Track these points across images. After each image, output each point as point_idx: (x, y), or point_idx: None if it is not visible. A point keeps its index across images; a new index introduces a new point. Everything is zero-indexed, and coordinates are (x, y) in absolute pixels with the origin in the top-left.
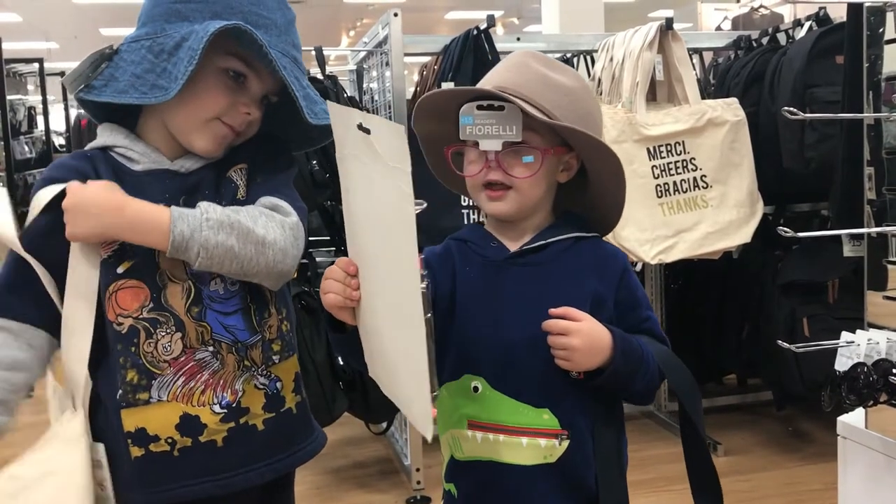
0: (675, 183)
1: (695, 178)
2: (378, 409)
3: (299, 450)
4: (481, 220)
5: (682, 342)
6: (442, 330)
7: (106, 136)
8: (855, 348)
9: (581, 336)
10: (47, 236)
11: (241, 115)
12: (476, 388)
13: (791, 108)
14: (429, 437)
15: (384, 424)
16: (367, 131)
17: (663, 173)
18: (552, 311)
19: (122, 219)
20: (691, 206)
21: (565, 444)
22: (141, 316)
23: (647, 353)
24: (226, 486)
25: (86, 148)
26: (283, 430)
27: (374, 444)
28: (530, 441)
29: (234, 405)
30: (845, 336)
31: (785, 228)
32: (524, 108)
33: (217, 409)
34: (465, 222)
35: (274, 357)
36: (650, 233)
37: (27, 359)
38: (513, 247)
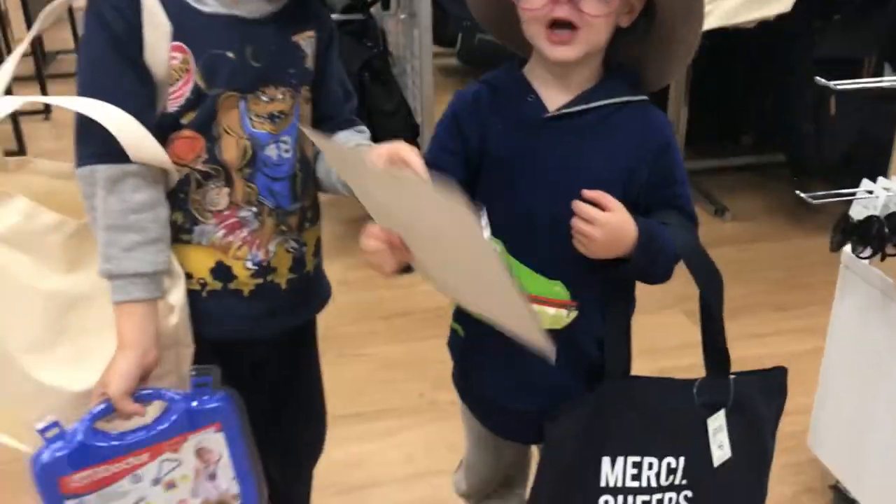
0: None
1: None
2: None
3: (312, 306)
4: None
5: (706, 99)
6: (468, 184)
7: None
8: (872, 200)
9: (605, 229)
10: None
11: None
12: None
13: None
14: (552, 358)
15: None
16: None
17: None
18: (585, 192)
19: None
20: None
21: (574, 314)
22: (196, 167)
23: (669, 246)
24: (247, 333)
25: None
26: (301, 290)
27: None
28: (539, 308)
29: (264, 264)
30: (865, 184)
31: None
32: None
33: (249, 265)
34: None
35: (306, 223)
36: None
37: (160, 194)
38: (552, 103)
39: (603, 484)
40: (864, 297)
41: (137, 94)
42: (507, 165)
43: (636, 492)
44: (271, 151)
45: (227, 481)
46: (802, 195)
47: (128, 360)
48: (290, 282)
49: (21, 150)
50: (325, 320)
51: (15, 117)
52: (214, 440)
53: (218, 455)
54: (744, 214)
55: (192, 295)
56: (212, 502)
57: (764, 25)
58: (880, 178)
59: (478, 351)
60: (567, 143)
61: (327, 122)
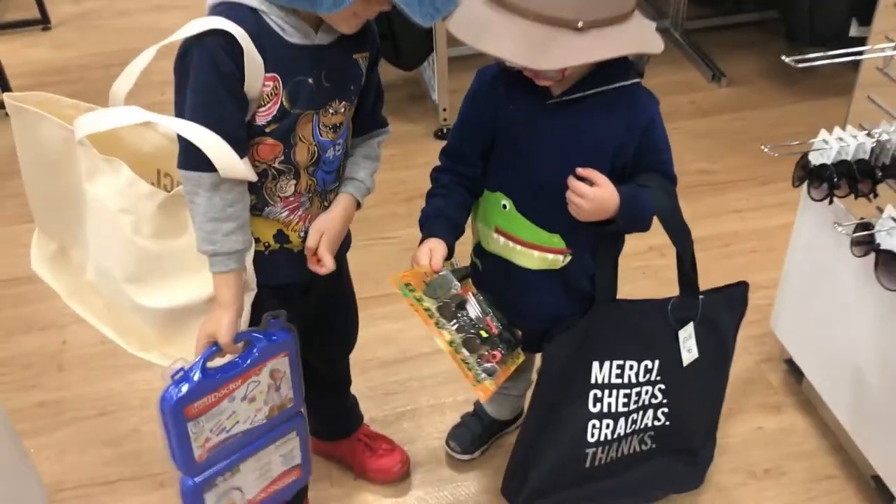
0: None
1: None
2: (408, 55)
3: (342, 249)
4: None
5: None
6: (487, 150)
7: (258, 0)
8: (827, 150)
9: (593, 202)
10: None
11: (374, 9)
12: (505, 206)
13: None
14: None
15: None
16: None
17: None
18: (579, 170)
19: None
20: None
21: (569, 258)
22: (273, 166)
23: (647, 210)
24: (296, 277)
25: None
26: None
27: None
28: (540, 254)
29: (309, 230)
30: (822, 135)
31: None
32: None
33: (301, 234)
34: None
35: (335, 190)
36: None
37: (245, 189)
38: (555, 89)
39: (593, 381)
40: (821, 214)
41: (236, 117)
42: (516, 139)
43: (619, 387)
44: (330, 153)
45: (286, 390)
46: (787, 59)
47: (229, 315)
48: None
49: (44, 16)
50: None
51: None
52: (282, 363)
53: (283, 373)
54: (739, 79)
55: (258, 254)
56: (275, 406)
57: None
58: (835, 129)
59: (492, 283)
60: (566, 122)
61: (360, 119)
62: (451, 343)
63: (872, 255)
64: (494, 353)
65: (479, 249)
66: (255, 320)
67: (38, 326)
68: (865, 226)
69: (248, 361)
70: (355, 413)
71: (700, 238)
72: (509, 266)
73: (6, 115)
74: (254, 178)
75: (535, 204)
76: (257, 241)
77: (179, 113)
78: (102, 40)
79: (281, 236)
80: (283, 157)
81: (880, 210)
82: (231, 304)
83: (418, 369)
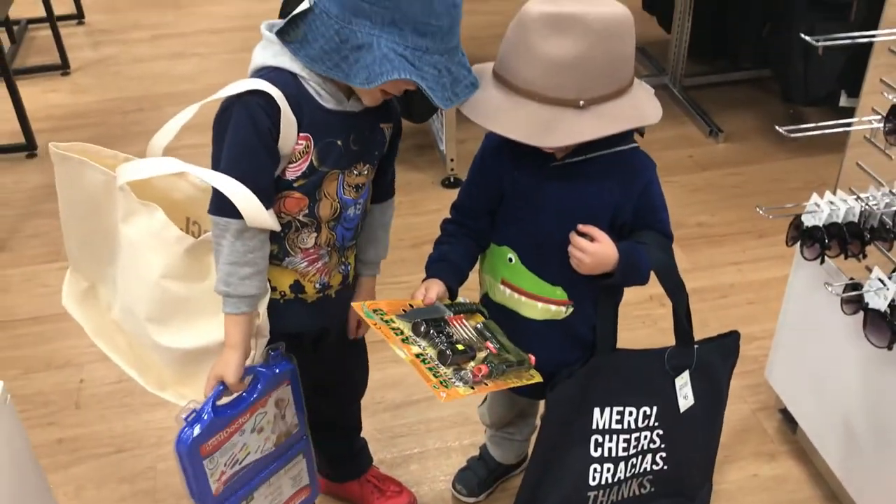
0: None
1: None
2: (420, 109)
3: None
4: None
5: (709, 17)
6: (494, 206)
7: (300, 66)
8: (819, 213)
9: (593, 257)
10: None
11: (401, 88)
12: (510, 260)
13: None
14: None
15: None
16: None
17: None
18: (580, 227)
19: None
20: None
21: (571, 309)
22: (297, 218)
23: (645, 265)
24: (307, 327)
25: (276, 63)
26: (345, 295)
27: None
28: (544, 305)
29: (325, 284)
30: (813, 198)
31: None
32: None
33: (317, 286)
34: None
35: (352, 248)
36: None
37: (267, 238)
38: (560, 153)
39: (594, 427)
40: (813, 272)
41: (267, 170)
42: (521, 198)
43: (619, 432)
44: (351, 211)
45: (291, 417)
46: (780, 129)
47: (237, 357)
48: (337, 292)
49: (64, 62)
50: None
51: (54, 26)
52: (285, 392)
53: (286, 401)
54: (736, 135)
55: (273, 301)
56: (282, 433)
57: None
58: (826, 193)
59: None
60: (568, 184)
61: (380, 185)
62: (418, 355)
63: (861, 314)
64: (480, 367)
65: (486, 300)
66: None
67: (57, 364)
68: (855, 286)
69: (255, 395)
70: (365, 455)
71: (699, 289)
72: (514, 316)
73: (26, 157)
74: (277, 227)
75: (539, 258)
76: (274, 289)
77: (215, 162)
78: (120, 86)
79: (297, 286)
80: (307, 211)
81: (869, 269)
82: (239, 346)
83: (425, 413)
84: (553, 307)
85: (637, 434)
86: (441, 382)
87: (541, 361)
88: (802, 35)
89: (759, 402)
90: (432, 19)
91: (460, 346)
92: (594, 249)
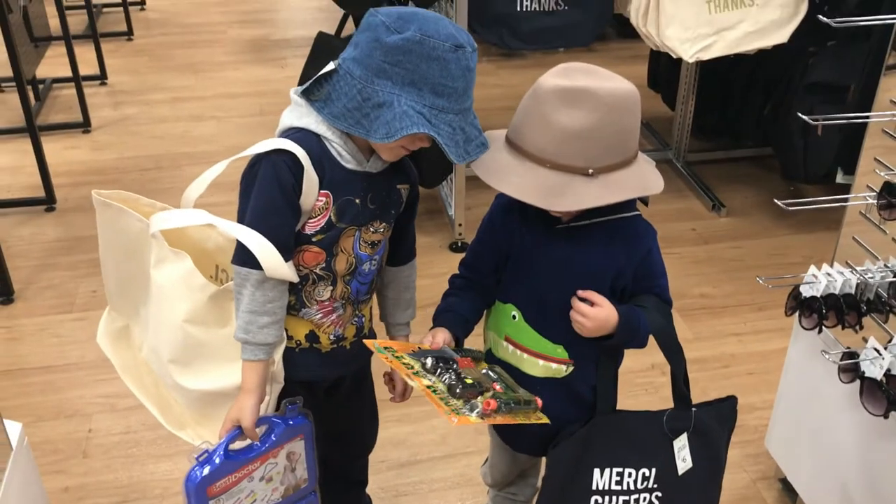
0: None
1: None
2: (430, 175)
3: (367, 355)
4: None
5: (712, 96)
6: (501, 265)
7: (325, 128)
8: (816, 284)
9: (594, 321)
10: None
11: (418, 144)
12: (514, 317)
13: None
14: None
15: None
16: None
17: None
18: (580, 293)
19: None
20: (737, 5)
21: (571, 369)
22: (314, 271)
23: (644, 328)
24: (321, 376)
25: (302, 124)
26: (360, 346)
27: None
28: (545, 363)
29: (340, 335)
30: (811, 270)
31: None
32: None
33: (332, 337)
34: (519, 8)
35: (367, 302)
36: (692, 31)
37: (286, 290)
38: (565, 216)
39: (594, 488)
40: (812, 342)
41: (289, 224)
42: (527, 259)
43: (619, 493)
44: (366, 266)
45: (301, 472)
46: (780, 203)
47: (252, 401)
48: (352, 343)
49: (86, 120)
50: None
51: (79, 86)
52: (298, 445)
53: (298, 455)
54: (738, 210)
55: (289, 349)
56: (290, 486)
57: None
58: (824, 265)
59: None
60: (572, 247)
61: (401, 246)
62: (428, 387)
63: (858, 382)
64: (489, 401)
65: (489, 356)
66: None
67: (66, 413)
68: (851, 354)
69: (267, 444)
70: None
71: (700, 359)
72: (516, 373)
73: (45, 210)
74: (295, 279)
75: (542, 317)
76: (290, 338)
77: (241, 215)
78: (139, 145)
79: (312, 336)
80: (324, 265)
81: (865, 340)
82: (255, 391)
83: (428, 472)
84: (554, 365)
85: (636, 496)
86: (453, 410)
87: None
88: (801, 115)
89: (758, 471)
90: (449, 81)
91: (469, 380)
92: (595, 314)
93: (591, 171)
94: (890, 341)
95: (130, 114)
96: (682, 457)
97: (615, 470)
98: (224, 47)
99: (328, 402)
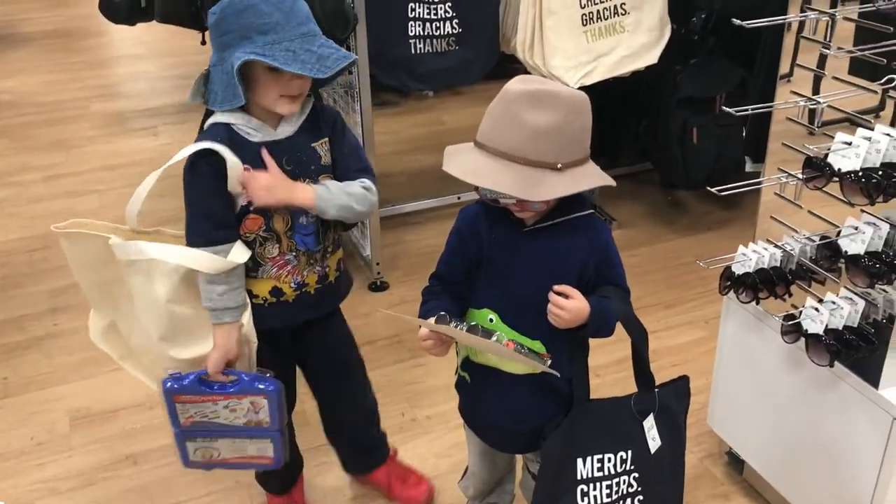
0: (598, 11)
1: (615, 6)
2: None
3: (333, 300)
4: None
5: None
6: (472, 273)
7: (226, 116)
8: (747, 261)
9: (571, 312)
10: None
11: (293, 85)
12: (491, 320)
13: None
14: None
15: None
16: None
17: (589, 2)
18: (555, 287)
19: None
20: (611, 32)
21: (548, 362)
22: (259, 234)
23: (612, 315)
24: (290, 323)
25: (211, 121)
26: (324, 293)
27: None
28: (524, 358)
29: (300, 282)
30: (741, 249)
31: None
32: (543, 199)
33: (292, 285)
34: (413, 52)
35: (328, 254)
36: (574, 60)
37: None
38: (529, 220)
39: (579, 477)
40: (743, 317)
41: (223, 208)
42: (498, 263)
43: (601, 479)
44: (302, 219)
45: (264, 416)
46: (713, 190)
47: (217, 355)
48: (316, 290)
49: None
50: None
51: None
52: (261, 401)
53: (262, 406)
54: (627, 222)
55: (257, 307)
56: (253, 421)
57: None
58: (758, 242)
59: (481, 392)
60: (539, 246)
61: (339, 169)
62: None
63: (802, 341)
64: (509, 342)
65: (466, 364)
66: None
67: None
68: (792, 316)
69: (231, 390)
70: (385, 445)
71: (625, 358)
72: (497, 373)
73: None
74: (242, 260)
75: (518, 315)
76: (256, 296)
77: (188, 204)
78: (20, 226)
79: (277, 291)
80: (265, 227)
81: (795, 307)
82: (220, 349)
83: None
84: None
85: (617, 479)
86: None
87: (520, 416)
88: (725, 108)
89: (703, 450)
90: (265, 18)
91: (485, 326)
92: (571, 306)
93: (559, 165)
94: (821, 301)
95: (4, 196)
96: (652, 436)
97: (595, 457)
98: (90, 122)
99: (293, 347)
